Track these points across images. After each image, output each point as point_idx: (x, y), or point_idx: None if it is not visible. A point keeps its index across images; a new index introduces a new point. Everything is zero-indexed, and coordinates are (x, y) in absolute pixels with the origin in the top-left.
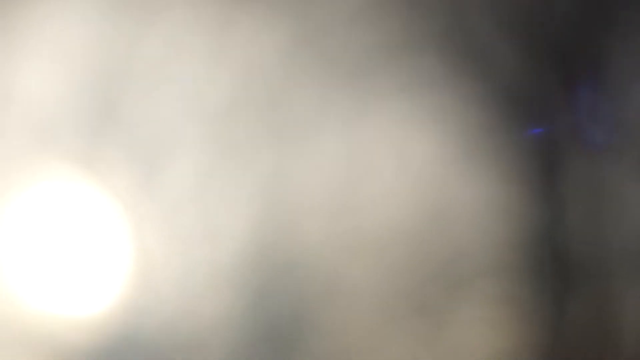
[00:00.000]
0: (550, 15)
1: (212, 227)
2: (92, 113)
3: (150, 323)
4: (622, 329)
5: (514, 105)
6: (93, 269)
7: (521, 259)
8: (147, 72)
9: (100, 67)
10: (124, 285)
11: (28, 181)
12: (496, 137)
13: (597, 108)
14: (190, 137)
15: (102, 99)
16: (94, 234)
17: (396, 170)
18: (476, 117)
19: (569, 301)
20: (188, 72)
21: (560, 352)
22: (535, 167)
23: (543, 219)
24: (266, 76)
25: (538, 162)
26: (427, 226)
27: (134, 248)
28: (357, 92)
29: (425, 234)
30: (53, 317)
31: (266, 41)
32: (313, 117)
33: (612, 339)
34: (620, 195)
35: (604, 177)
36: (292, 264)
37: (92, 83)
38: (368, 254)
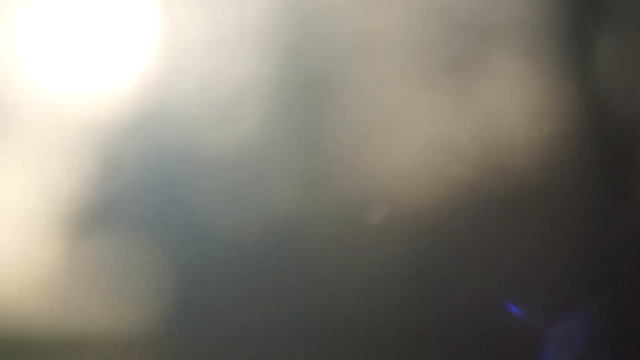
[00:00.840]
0: None
1: None
2: None
3: (179, 91)
4: None
5: None
6: (118, 39)
7: (551, 12)
8: None
9: None
10: (150, 54)
11: None
12: None
13: None
14: None
15: None
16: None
17: None
18: None
19: (598, 58)
20: None
21: (586, 106)
22: None
23: None
24: None
25: None
26: None
27: (160, 13)
28: None
29: None
30: (80, 94)
31: None
32: None
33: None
34: None
35: None
36: (321, 18)
37: None
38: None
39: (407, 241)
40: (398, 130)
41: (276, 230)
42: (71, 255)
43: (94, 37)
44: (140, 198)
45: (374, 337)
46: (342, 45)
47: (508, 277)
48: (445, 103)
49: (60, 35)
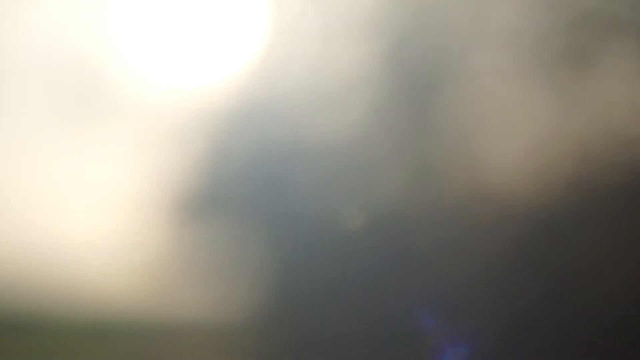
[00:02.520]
0: None
1: None
2: None
3: (287, 80)
4: None
5: None
6: (228, 26)
7: None
8: None
9: None
10: (260, 43)
11: None
12: None
13: None
14: None
15: None
16: None
17: None
18: None
19: None
20: None
21: None
22: None
23: None
24: None
25: None
26: None
27: (270, 1)
28: None
29: None
30: (189, 81)
31: None
32: None
33: None
34: None
35: None
36: (434, 7)
37: None
38: None
39: (513, 236)
40: (508, 123)
41: (381, 222)
42: (174, 243)
43: (204, 24)
44: (246, 186)
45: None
46: (454, 35)
47: (620, 274)
48: (558, 96)
49: (171, 22)
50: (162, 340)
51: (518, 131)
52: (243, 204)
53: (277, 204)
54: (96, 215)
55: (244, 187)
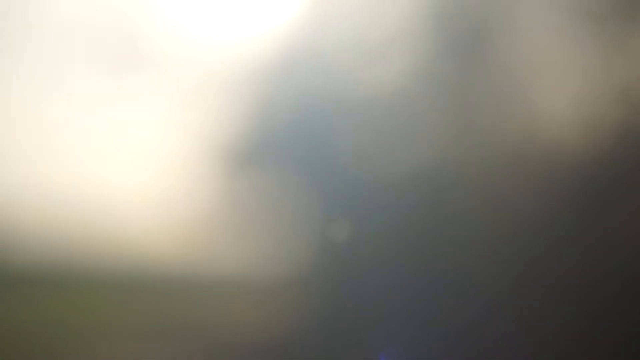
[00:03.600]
0: None
1: None
2: None
3: (331, 32)
4: None
5: None
6: None
7: None
8: None
9: None
10: None
11: None
12: None
13: None
14: None
15: None
16: None
17: None
18: None
19: None
20: None
21: None
22: None
23: None
24: None
25: None
26: None
27: None
28: None
29: None
30: (233, 35)
31: None
32: None
33: None
34: None
35: None
36: None
37: None
38: None
39: (559, 189)
40: (557, 76)
41: (426, 174)
42: (219, 196)
43: None
44: (291, 140)
45: (517, 287)
46: None
47: None
48: (606, 49)
49: None
50: (207, 295)
51: (567, 84)
52: (288, 157)
53: (321, 157)
54: (141, 168)
55: (289, 140)
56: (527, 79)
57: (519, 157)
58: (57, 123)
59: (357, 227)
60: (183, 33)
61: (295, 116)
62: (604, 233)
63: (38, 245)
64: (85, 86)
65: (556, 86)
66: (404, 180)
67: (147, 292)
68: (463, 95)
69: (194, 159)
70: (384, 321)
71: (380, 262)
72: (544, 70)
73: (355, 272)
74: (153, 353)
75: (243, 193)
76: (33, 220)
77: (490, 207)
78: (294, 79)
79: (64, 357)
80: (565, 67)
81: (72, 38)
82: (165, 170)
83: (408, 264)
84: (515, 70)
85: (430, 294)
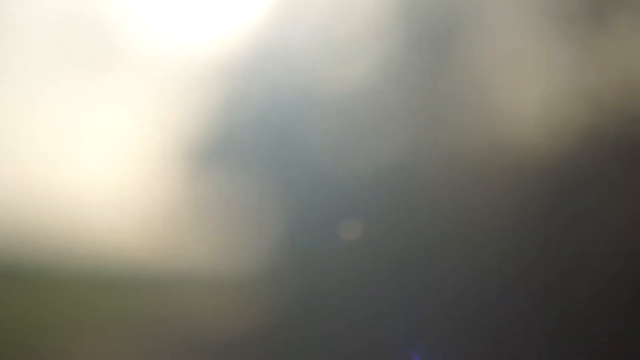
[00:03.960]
0: None
1: None
2: None
3: (299, 30)
4: None
5: None
6: None
7: None
8: None
9: None
10: None
11: None
12: None
13: None
14: None
15: None
16: None
17: None
18: None
19: None
20: None
21: None
22: None
23: None
24: None
25: None
26: None
27: None
28: None
29: None
30: (200, 31)
31: None
32: None
33: None
34: None
35: None
36: None
37: None
38: None
39: (529, 187)
40: (522, 76)
41: (391, 175)
42: (185, 191)
43: None
44: (257, 135)
45: (498, 279)
46: None
47: (634, 226)
48: (573, 50)
49: None
50: (171, 291)
51: (532, 84)
52: (253, 153)
53: (287, 154)
54: (107, 164)
55: (254, 136)
56: (493, 78)
57: (485, 154)
58: (21, 119)
59: (323, 222)
60: (150, 30)
61: (263, 112)
62: (572, 231)
63: (3, 241)
64: (50, 84)
65: (523, 85)
66: (371, 176)
67: (110, 288)
68: (430, 93)
69: (162, 155)
70: (350, 316)
71: (346, 257)
72: (510, 69)
73: (321, 267)
74: (120, 346)
75: (210, 188)
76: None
77: (458, 203)
78: (262, 76)
79: (30, 349)
80: (532, 67)
81: (46, 36)
82: (132, 165)
83: (375, 259)
84: (482, 68)
85: (397, 289)
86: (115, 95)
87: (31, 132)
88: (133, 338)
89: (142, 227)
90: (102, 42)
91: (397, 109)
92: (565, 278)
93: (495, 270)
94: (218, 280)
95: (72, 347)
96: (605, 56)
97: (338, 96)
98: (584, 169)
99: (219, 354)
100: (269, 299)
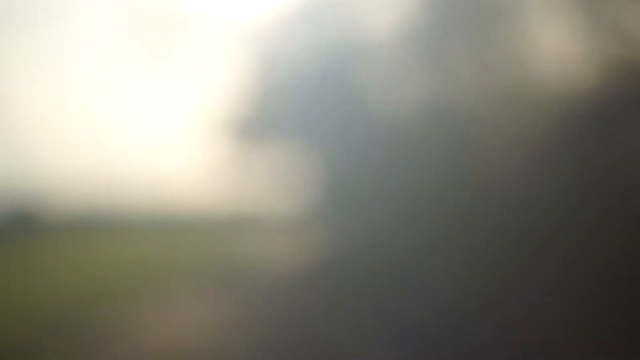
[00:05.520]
0: None
1: None
2: None
3: None
4: None
5: None
6: None
7: None
8: None
9: None
10: None
11: None
12: None
13: None
14: None
15: None
16: None
17: None
18: None
19: None
20: None
21: None
22: None
23: None
24: None
25: None
26: None
27: None
28: None
29: None
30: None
31: None
32: None
33: None
34: None
35: None
36: None
37: None
38: None
39: (570, 127)
40: (551, 13)
41: (435, 117)
42: (237, 145)
43: None
44: (302, 86)
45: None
46: None
47: None
48: None
49: None
50: (225, 231)
51: (562, 21)
52: (301, 103)
53: (335, 100)
54: (169, 125)
55: (301, 86)
56: (526, 15)
57: (529, 96)
58: (90, 89)
59: (368, 168)
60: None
61: (308, 63)
62: (605, 160)
63: (83, 196)
64: (113, 56)
65: (554, 23)
66: (411, 116)
67: (175, 232)
68: (474, 38)
69: (222, 111)
70: (395, 253)
71: (388, 199)
72: (541, 8)
73: (365, 210)
74: (198, 281)
75: (260, 138)
76: (82, 174)
77: (492, 136)
78: (307, 27)
79: (102, 298)
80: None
81: (116, 15)
82: (191, 126)
83: (415, 199)
84: (526, 10)
85: (437, 229)
86: (173, 62)
87: (118, 97)
88: (198, 278)
89: (199, 178)
90: (159, 6)
91: (443, 54)
92: (600, 210)
93: (534, 195)
94: (276, 222)
95: (148, 287)
96: None
97: (384, 42)
98: (616, 99)
99: (281, 287)
100: (321, 238)
